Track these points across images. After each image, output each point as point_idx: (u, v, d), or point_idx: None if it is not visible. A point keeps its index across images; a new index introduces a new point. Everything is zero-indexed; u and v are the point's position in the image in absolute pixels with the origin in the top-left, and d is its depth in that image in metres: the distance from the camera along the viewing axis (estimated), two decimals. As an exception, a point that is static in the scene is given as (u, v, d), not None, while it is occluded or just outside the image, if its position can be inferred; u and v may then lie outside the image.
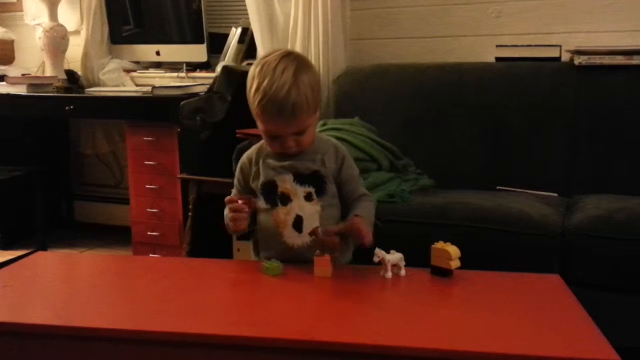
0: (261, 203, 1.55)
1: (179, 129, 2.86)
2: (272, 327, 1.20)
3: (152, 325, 1.20)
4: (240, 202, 1.50)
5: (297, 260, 1.49)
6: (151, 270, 1.56)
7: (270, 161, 1.54)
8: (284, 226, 1.52)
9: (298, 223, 1.52)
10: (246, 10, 3.11)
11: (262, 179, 1.55)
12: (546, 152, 2.45)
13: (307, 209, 1.52)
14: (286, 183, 1.53)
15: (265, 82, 1.42)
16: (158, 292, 1.38)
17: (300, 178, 1.53)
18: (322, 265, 1.43)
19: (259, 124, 1.48)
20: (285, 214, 1.52)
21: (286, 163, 1.53)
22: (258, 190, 1.56)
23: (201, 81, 3.23)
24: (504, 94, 2.53)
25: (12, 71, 3.53)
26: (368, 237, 1.45)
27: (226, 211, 1.52)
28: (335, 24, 2.92)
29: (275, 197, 1.53)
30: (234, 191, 1.63)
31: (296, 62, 1.46)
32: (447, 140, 2.56)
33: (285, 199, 1.53)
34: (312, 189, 1.53)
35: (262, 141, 1.58)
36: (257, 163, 1.56)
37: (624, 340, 1.34)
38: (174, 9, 3.40)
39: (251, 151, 1.60)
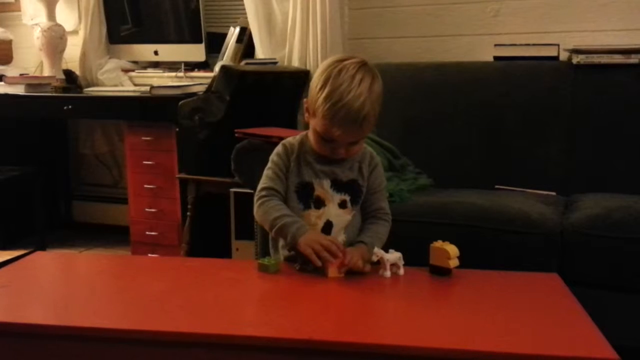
0: (294, 202, 1.54)
1: (177, 129, 2.86)
2: (271, 326, 1.20)
3: (151, 324, 1.20)
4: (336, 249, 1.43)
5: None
6: (150, 270, 1.56)
7: (311, 162, 1.53)
8: (313, 229, 1.51)
9: (328, 228, 1.51)
10: (244, 9, 3.12)
11: (299, 178, 1.53)
12: (544, 151, 2.45)
13: (339, 216, 1.52)
14: (323, 188, 1.52)
15: (343, 87, 1.40)
16: (157, 291, 1.38)
17: (338, 185, 1.53)
18: (334, 266, 1.42)
19: (319, 125, 1.45)
20: (316, 218, 1.52)
21: (326, 168, 1.52)
22: (292, 187, 1.54)
23: (199, 81, 3.23)
24: (502, 92, 2.54)
25: (10, 71, 3.53)
26: (365, 268, 1.45)
27: (316, 246, 1.43)
28: (333, 23, 2.92)
29: (310, 199, 1.52)
30: (268, 174, 1.55)
31: (371, 73, 1.45)
32: (445, 139, 2.56)
33: (320, 203, 1.52)
34: (347, 197, 1.53)
35: (304, 134, 1.56)
36: (297, 158, 1.54)
37: (623, 339, 1.34)
38: (172, 9, 3.39)
39: (293, 141, 1.57)
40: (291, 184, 1.54)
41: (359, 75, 1.42)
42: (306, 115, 1.52)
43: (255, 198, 1.55)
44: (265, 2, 3.07)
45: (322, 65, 1.48)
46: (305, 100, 1.52)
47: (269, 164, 1.57)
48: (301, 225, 1.48)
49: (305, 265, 1.48)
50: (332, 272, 1.42)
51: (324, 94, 1.42)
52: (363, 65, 1.45)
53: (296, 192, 1.54)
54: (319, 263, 1.42)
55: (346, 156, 1.51)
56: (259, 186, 1.55)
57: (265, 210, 1.52)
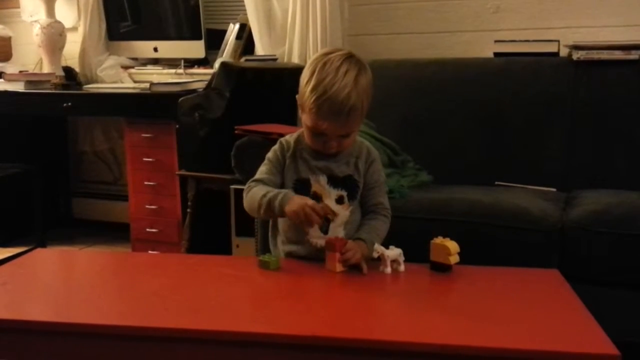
0: None
1: (177, 126, 2.85)
2: (273, 322, 1.20)
3: (152, 321, 1.20)
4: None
5: (318, 260, 1.48)
6: (150, 267, 1.57)
7: (307, 158, 1.54)
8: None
9: (325, 224, 1.52)
10: (244, 6, 3.11)
11: (296, 175, 1.54)
12: (545, 147, 2.45)
13: (337, 212, 1.52)
14: (320, 184, 1.53)
15: (327, 80, 1.41)
16: (157, 288, 1.38)
17: (334, 180, 1.53)
18: (331, 260, 1.43)
19: (308, 119, 1.47)
20: None
21: (322, 164, 1.53)
22: (290, 183, 1.54)
23: (199, 77, 3.22)
24: (502, 89, 2.53)
25: (9, 68, 3.52)
26: (363, 269, 1.44)
27: (305, 207, 1.43)
28: (333, 20, 2.92)
29: (307, 195, 1.52)
30: (261, 169, 1.57)
31: (358, 65, 1.45)
32: (445, 135, 2.56)
33: (317, 199, 1.52)
34: (344, 193, 1.53)
35: (301, 131, 1.56)
36: (293, 154, 1.55)
37: (623, 335, 1.34)
38: (171, 5, 3.39)
39: (290, 139, 1.58)
40: (288, 180, 1.55)
41: (343, 67, 1.42)
42: (300, 111, 1.52)
43: (244, 192, 1.56)
44: (265, -2, 3.07)
45: (310, 59, 1.49)
46: (297, 96, 1.52)
47: (264, 161, 1.59)
48: (285, 194, 1.47)
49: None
50: (335, 266, 1.42)
51: (309, 87, 1.43)
52: (349, 57, 1.45)
53: (293, 188, 1.54)
54: (307, 227, 1.46)
55: (338, 150, 1.51)
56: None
57: (251, 195, 1.53)
